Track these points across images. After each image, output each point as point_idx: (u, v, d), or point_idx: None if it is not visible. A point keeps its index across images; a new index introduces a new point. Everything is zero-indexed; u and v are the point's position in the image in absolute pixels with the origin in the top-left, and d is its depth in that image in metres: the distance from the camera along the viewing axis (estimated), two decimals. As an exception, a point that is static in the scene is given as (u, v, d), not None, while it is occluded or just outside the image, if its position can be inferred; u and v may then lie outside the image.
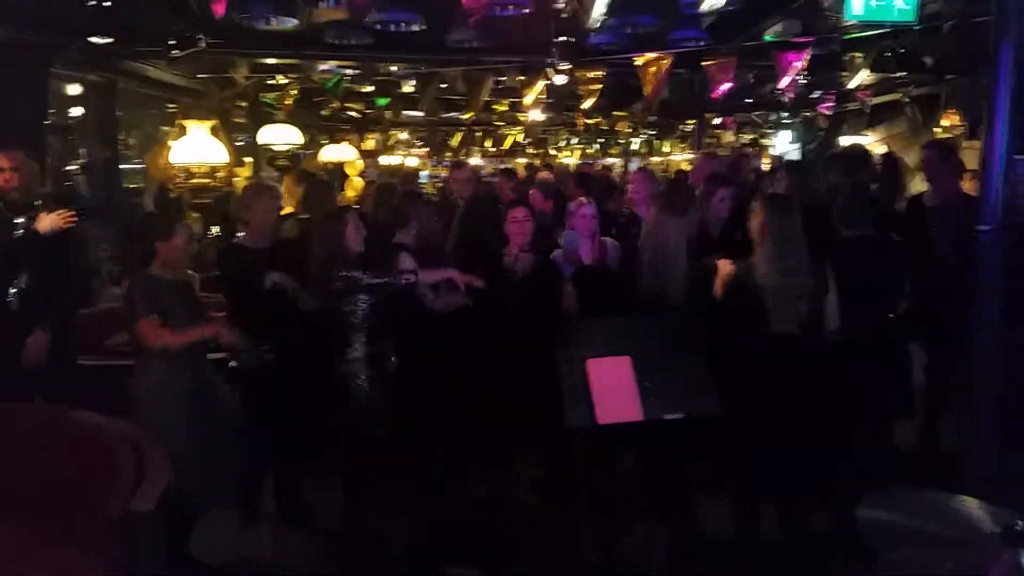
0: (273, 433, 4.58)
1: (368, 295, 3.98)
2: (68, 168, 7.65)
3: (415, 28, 5.52)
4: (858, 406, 3.93)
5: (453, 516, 4.18)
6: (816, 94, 8.19)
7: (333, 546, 4.20)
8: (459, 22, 5.74)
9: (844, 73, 5.03)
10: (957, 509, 1.72)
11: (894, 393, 4.17)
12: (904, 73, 5.89)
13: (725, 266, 4.04)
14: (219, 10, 4.63)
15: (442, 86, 7.24)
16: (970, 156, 5.40)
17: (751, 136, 14.01)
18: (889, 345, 4.22)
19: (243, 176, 8.72)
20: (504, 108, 6.37)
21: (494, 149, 14.41)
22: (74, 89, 7.26)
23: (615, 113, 9.67)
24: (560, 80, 5.50)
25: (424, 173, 14.32)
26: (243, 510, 4.45)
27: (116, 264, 6.29)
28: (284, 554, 4.24)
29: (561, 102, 8.03)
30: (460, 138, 12.56)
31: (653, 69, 4.95)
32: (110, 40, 4.77)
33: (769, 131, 13.26)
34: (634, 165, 16.48)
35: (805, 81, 7.99)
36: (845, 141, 10.36)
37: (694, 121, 9.94)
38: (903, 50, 5.00)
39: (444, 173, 16.01)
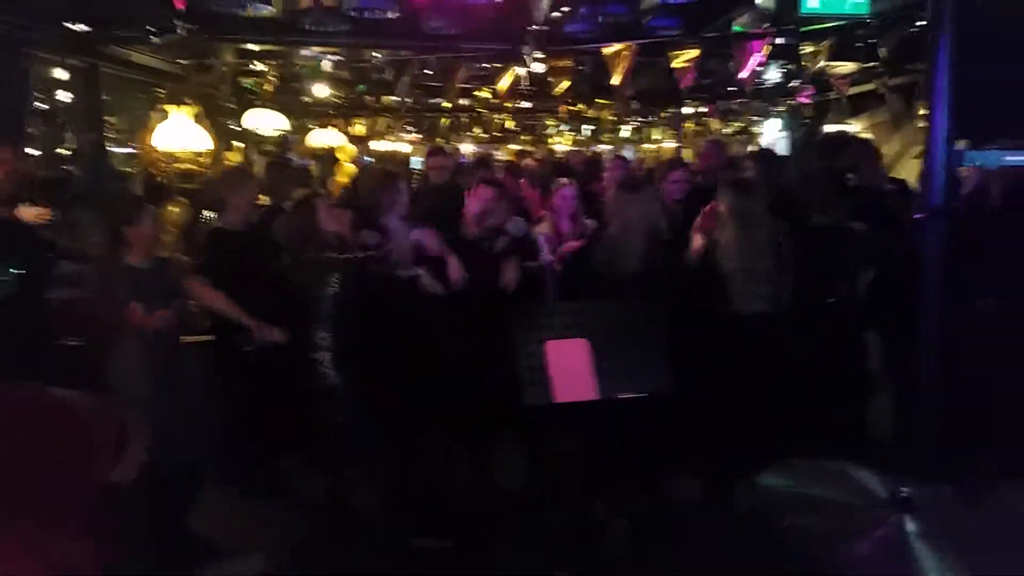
0: (251, 412, 4.74)
1: (341, 273, 4.09)
2: (56, 153, 7.73)
3: (390, 15, 5.62)
4: (813, 387, 4.07)
5: (426, 493, 4.31)
6: (795, 83, 8.26)
7: (311, 521, 4.35)
8: (435, 9, 5.83)
9: (806, 64, 5.11)
10: (850, 476, 1.84)
11: (849, 376, 4.31)
12: (865, 64, 5.97)
13: (698, 239, 4.17)
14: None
15: (424, 72, 7.33)
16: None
17: (739, 124, 14.06)
18: (845, 330, 4.35)
19: (234, 161, 8.81)
20: (488, 95, 6.40)
21: (486, 136, 14.45)
22: (59, 74, 7.34)
23: (598, 101, 9.74)
24: (538, 68, 5.58)
25: (415, 159, 14.36)
26: (235, 485, 4.61)
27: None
28: (267, 528, 4.38)
29: (543, 89, 8.09)
30: (448, 124, 12.60)
31: (621, 58, 5.02)
32: (87, 27, 4.79)
33: (757, 119, 13.30)
34: (629, 153, 16.62)
35: (784, 71, 8.12)
36: (830, 129, 10.50)
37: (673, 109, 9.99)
38: (860, 44, 5.10)
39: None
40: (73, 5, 4.87)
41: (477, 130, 13.52)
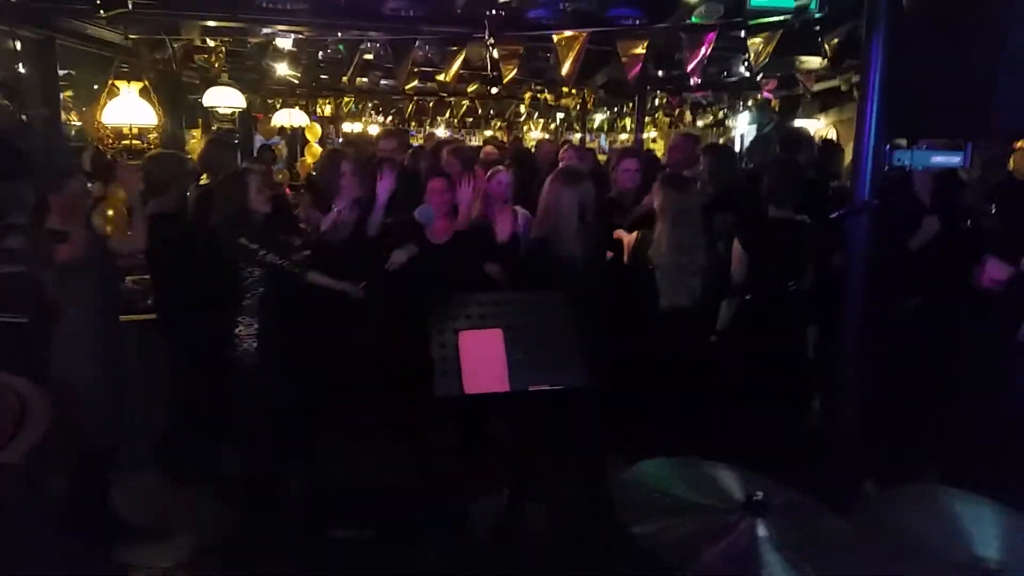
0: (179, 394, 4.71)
1: (261, 268, 4.03)
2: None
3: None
4: (747, 382, 4.06)
5: (349, 482, 4.29)
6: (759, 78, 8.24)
7: (235, 506, 4.31)
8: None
9: (754, 58, 5.08)
10: (711, 476, 1.82)
11: (785, 370, 4.31)
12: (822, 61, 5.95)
13: (625, 237, 4.17)
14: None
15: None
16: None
17: (710, 118, 14.07)
18: (784, 324, 4.35)
19: (197, 137, 8.71)
20: (448, 80, 6.33)
21: (457, 122, 14.37)
22: (11, 46, 7.19)
23: (564, 89, 9.68)
24: (496, 54, 5.52)
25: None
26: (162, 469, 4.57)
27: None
28: (191, 512, 4.35)
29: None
30: (412, 108, 12.49)
31: (569, 47, 4.97)
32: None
33: (727, 113, 13.31)
34: (602, 142, 16.60)
35: (745, 64, 8.08)
36: (799, 124, 10.53)
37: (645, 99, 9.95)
38: (812, 40, 5.09)
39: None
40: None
41: (445, 114, 13.39)
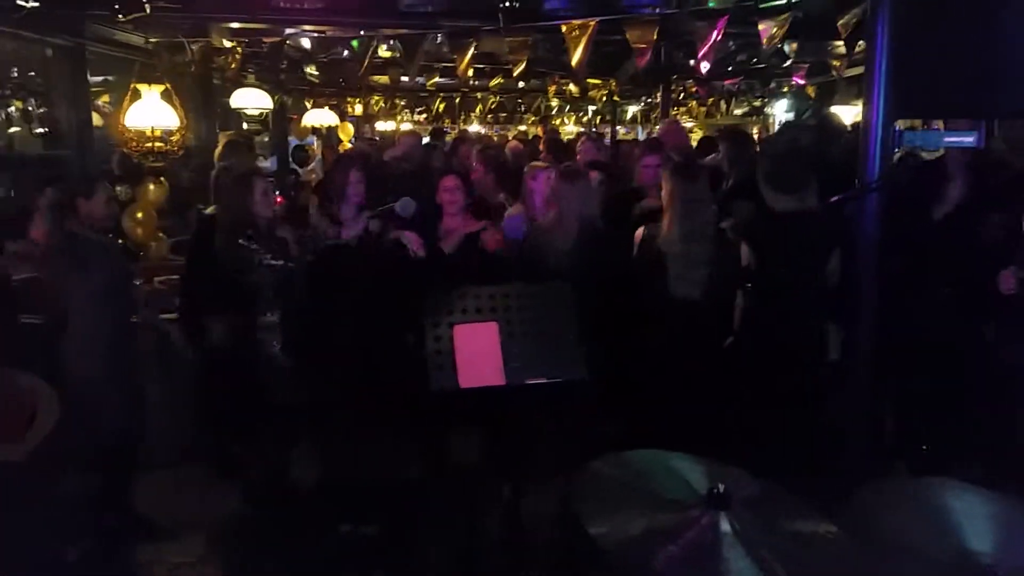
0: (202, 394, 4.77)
1: (267, 271, 4.04)
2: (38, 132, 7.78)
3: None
4: (757, 379, 3.95)
5: (360, 479, 4.29)
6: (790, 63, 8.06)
7: (252, 504, 4.35)
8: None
9: (768, 42, 4.94)
10: (673, 469, 1.74)
11: (803, 367, 4.17)
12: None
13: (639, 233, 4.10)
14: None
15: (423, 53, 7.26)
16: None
17: (749, 105, 13.83)
18: (803, 320, 4.21)
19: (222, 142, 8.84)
20: (461, 73, 6.30)
21: (490, 116, 14.36)
22: (44, 52, 7.37)
23: (589, 81, 9.59)
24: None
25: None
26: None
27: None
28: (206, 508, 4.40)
29: (533, 69, 7.98)
30: (441, 106, 12.49)
31: (579, 37, 4.90)
32: (36, 3, 4.76)
33: (764, 101, 13.07)
34: (642, 134, 16.41)
35: (777, 50, 7.90)
36: (837, 110, 10.29)
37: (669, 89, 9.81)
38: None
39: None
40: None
41: (478, 109, 13.37)
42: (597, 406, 3.76)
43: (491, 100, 12.22)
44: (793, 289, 4.11)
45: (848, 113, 9.91)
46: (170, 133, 6.14)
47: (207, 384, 4.72)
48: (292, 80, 8.94)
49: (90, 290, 3.91)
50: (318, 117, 10.63)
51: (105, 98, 9.20)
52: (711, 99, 12.28)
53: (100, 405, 3.90)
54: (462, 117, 15.01)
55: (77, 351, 3.93)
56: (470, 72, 6.54)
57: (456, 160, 6.54)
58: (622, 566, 1.53)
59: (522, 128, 15.62)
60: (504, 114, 14.21)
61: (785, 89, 11.51)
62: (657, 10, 5.66)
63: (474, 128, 15.34)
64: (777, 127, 13.11)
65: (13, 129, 8.52)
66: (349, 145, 11.51)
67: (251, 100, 8.12)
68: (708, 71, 9.05)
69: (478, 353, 3.03)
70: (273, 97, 8.70)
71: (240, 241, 3.91)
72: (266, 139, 11.22)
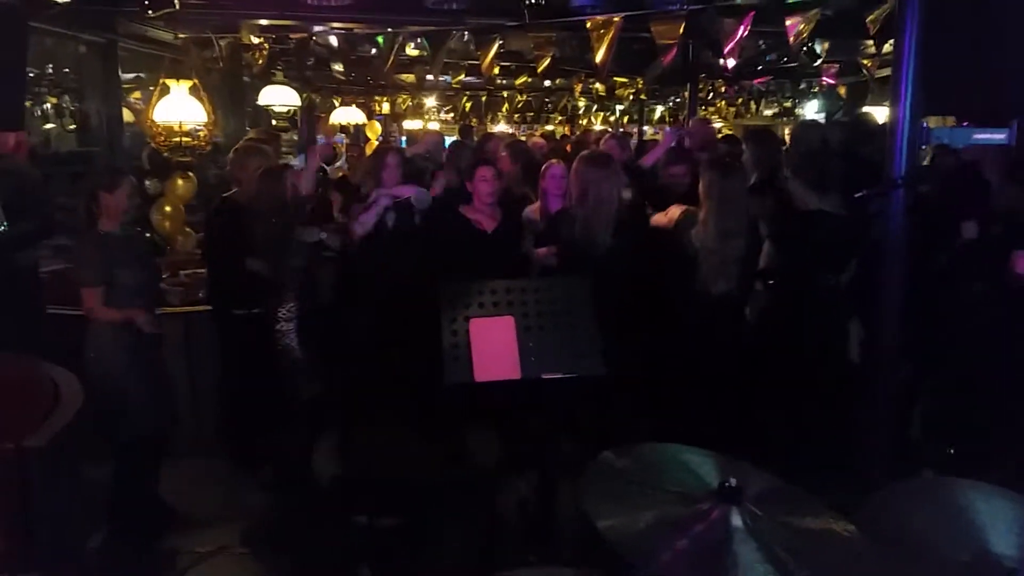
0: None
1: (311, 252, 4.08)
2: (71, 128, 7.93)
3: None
4: (784, 371, 3.91)
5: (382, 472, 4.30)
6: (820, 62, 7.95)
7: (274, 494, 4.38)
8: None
9: (794, 39, 4.87)
10: (683, 462, 1.71)
11: (824, 364, 4.12)
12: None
13: (661, 218, 4.07)
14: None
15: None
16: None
17: (779, 106, 13.67)
18: (825, 318, 4.16)
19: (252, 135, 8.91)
20: (484, 69, 6.29)
21: (517, 115, 14.32)
22: (77, 49, 7.49)
23: (616, 80, 9.53)
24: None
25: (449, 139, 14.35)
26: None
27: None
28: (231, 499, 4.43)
29: (560, 68, 7.98)
30: (468, 104, 12.50)
31: (603, 34, 4.86)
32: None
33: (794, 101, 12.91)
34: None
35: (807, 49, 7.81)
36: (869, 111, 10.15)
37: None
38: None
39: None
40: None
41: (504, 108, 13.36)
42: (622, 401, 3.73)
43: (517, 99, 12.19)
44: (816, 286, 4.08)
45: (881, 114, 9.78)
46: (198, 128, 6.20)
47: (230, 376, 4.77)
48: (320, 78, 8.99)
49: (118, 284, 3.94)
50: (346, 115, 10.70)
51: (136, 94, 9.32)
52: (740, 99, 12.15)
53: (126, 395, 3.94)
54: (489, 116, 15.00)
55: (104, 342, 3.96)
56: (495, 70, 6.54)
57: (484, 155, 6.53)
58: (630, 559, 1.49)
59: (549, 128, 15.57)
60: (531, 113, 14.17)
61: (815, 89, 11.36)
62: (684, 6, 5.63)
63: (500, 127, 15.33)
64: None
65: (48, 126, 8.67)
66: (376, 143, 11.56)
67: (279, 97, 8.17)
68: (737, 70, 8.99)
69: (494, 347, 3.02)
70: (301, 95, 8.75)
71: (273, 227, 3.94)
72: (294, 137, 11.31)
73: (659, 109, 14.34)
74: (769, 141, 5.20)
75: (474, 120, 14.69)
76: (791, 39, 4.84)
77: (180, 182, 6.79)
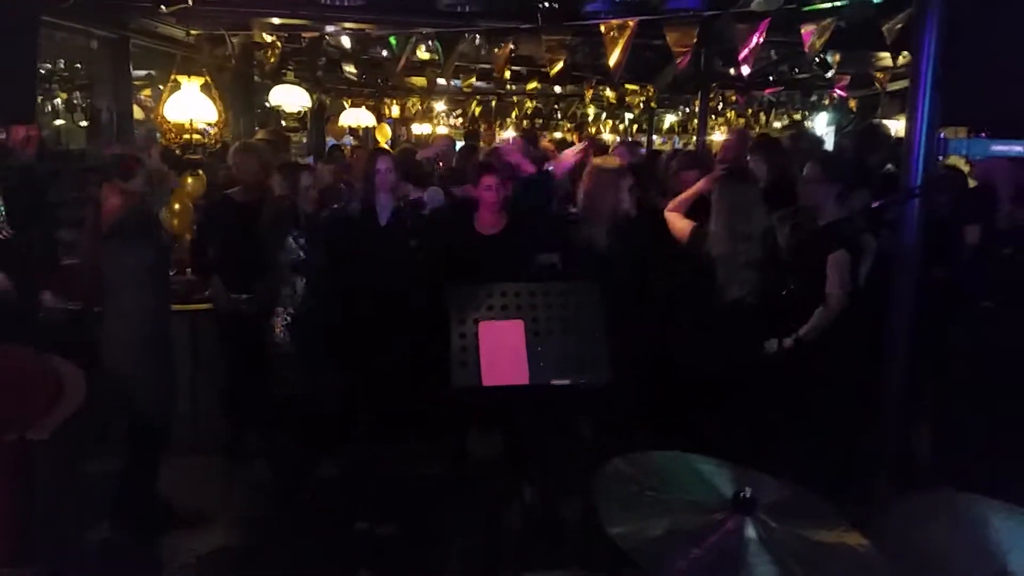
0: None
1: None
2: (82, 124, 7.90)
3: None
4: (805, 381, 3.87)
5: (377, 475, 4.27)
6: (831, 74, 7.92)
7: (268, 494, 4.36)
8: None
9: (808, 50, 4.85)
10: (698, 471, 1.68)
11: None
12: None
13: (677, 221, 4.06)
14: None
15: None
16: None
17: (789, 118, 13.63)
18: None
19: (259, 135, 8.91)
20: (498, 74, 6.29)
21: (526, 122, 14.30)
22: (89, 44, 7.47)
23: (627, 86, 9.52)
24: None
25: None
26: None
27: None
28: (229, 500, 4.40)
29: (568, 71, 7.95)
30: (478, 109, 12.49)
31: (617, 37, 4.84)
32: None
33: (804, 113, 12.88)
34: (679, 143, 16.28)
35: (819, 60, 7.78)
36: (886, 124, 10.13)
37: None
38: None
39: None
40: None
41: (513, 114, 13.35)
42: (632, 408, 3.71)
43: (527, 105, 12.18)
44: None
45: (891, 127, 9.75)
46: (208, 126, 6.20)
47: (230, 375, 4.76)
48: (331, 79, 8.98)
49: (133, 265, 3.91)
50: (355, 117, 10.70)
51: (147, 91, 9.32)
52: (750, 110, 12.11)
53: (134, 389, 3.92)
54: (498, 122, 15.00)
55: (113, 334, 3.95)
56: (507, 74, 6.53)
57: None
58: (643, 567, 1.46)
59: (557, 135, 15.56)
60: (540, 120, 14.16)
61: (826, 102, 11.33)
62: (699, 12, 5.61)
63: (509, 133, 15.31)
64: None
65: (59, 121, 8.67)
66: (386, 146, 11.55)
67: (290, 97, 8.17)
68: (748, 80, 8.96)
69: (503, 351, 2.99)
70: (312, 96, 8.75)
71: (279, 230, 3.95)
72: (303, 139, 11.31)
73: (669, 118, 14.32)
74: (775, 150, 5.17)
75: (483, 125, 14.70)
76: (806, 47, 4.81)
77: (189, 180, 6.78)
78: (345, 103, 11.39)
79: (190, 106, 6.12)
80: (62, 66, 7.68)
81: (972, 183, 4.68)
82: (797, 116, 13.58)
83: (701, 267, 3.93)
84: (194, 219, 5.77)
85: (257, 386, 4.28)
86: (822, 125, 13.36)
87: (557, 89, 9.89)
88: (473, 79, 8.36)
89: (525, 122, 14.05)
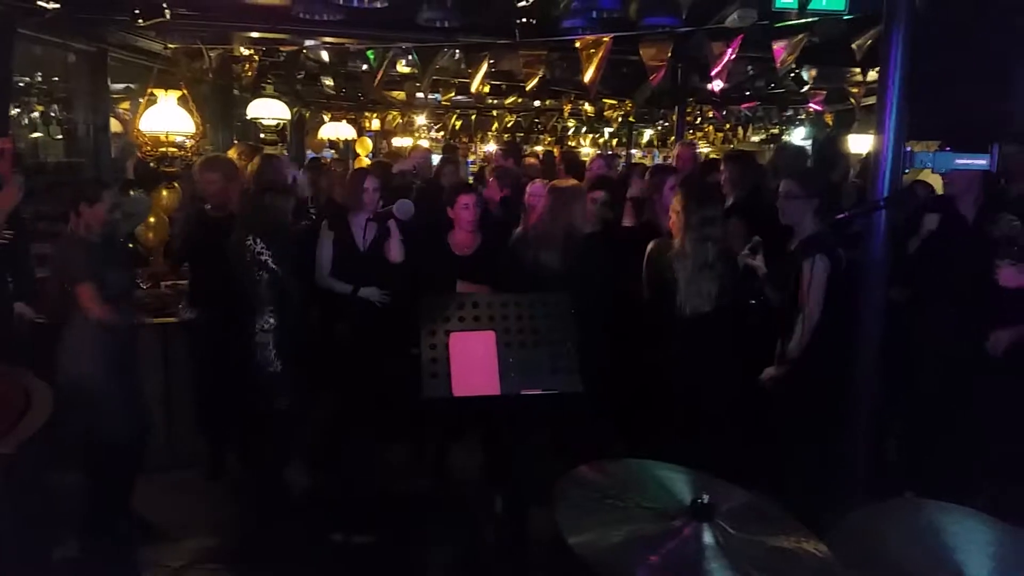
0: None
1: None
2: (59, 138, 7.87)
3: (378, 4, 5.55)
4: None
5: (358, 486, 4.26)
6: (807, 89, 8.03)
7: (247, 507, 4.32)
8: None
9: (780, 65, 4.93)
10: (657, 478, 1.70)
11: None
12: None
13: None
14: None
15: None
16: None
17: (766, 132, 13.79)
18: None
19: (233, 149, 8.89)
20: (476, 88, 6.32)
21: (507, 135, 14.36)
22: (66, 58, 7.45)
23: (605, 101, 9.60)
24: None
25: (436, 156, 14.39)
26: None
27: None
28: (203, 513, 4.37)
29: (548, 88, 8.02)
30: (458, 123, 12.54)
31: (592, 53, 4.90)
32: (57, 5, 4.81)
33: (781, 128, 13.03)
34: (658, 157, 16.40)
35: (794, 75, 7.89)
36: (855, 138, 10.24)
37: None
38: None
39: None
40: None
41: (494, 127, 13.40)
42: (599, 419, 3.73)
43: (507, 119, 12.24)
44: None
45: (866, 142, 9.86)
46: (185, 139, 6.18)
47: (204, 389, 4.73)
48: (310, 92, 8.98)
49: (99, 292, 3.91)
50: (335, 130, 10.71)
51: (125, 105, 9.29)
52: (727, 124, 12.24)
53: (101, 400, 3.90)
54: (479, 135, 15.04)
55: (77, 349, 3.92)
56: (486, 88, 6.56)
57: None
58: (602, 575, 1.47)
59: (538, 149, 15.63)
60: (520, 134, 14.22)
61: (802, 116, 11.47)
62: (673, 29, 5.68)
63: (489, 148, 15.37)
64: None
65: (36, 134, 8.62)
66: (366, 161, 11.57)
67: (268, 110, 8.17)
68: (724, 95, 9.06)
69: (474, 362, 3.00)
70: (291, 109, 8.75)
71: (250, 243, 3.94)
72: (285, 152, 11.30)
73: (647, 132, 14.43)
74: (747, 163, 5.24)
75: (463, 138, 14.75)
76: (778, 63, 4.88)
77: (164, 193, 6.76)
78: (325, 116, 11.41)
79: (166, 119, 6.10)
80: (40, 79, 7.63)
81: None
82: (775, 130, 13.73)
83: (664, 280, 3.97)
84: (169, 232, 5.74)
85: (232, 400, 4.26)
86: (798, 140, 13.53)
87: (536, 103, 9.94)
88: (452, 93, 8.40)
89: (506, 135, 14.09)
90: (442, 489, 4.13)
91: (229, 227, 4.42)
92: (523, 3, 5.35)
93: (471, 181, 7.71)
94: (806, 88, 7.59)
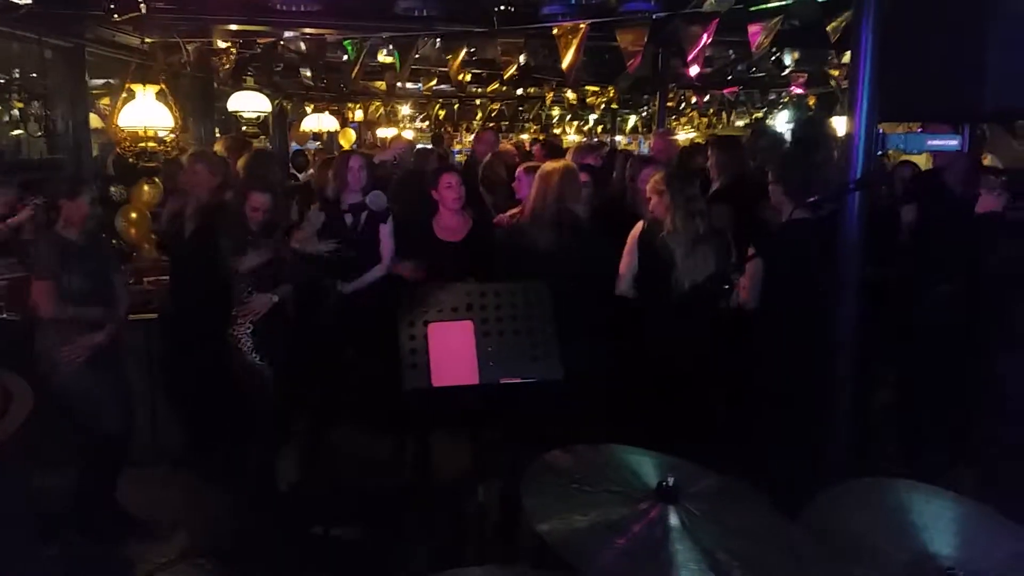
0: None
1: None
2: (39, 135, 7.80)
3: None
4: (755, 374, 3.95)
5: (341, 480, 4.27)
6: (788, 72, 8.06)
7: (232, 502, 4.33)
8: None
9: (757, 49, 4.93)
10: (624, 462, 1.71)
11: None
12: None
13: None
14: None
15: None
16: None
17: (750, 116, 13.80)
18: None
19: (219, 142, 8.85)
20: (453, 75, 6.30)
21: (491, 124, 14.33)
22: (43, 54, 7.38)
23: (587, 88, 9.59)
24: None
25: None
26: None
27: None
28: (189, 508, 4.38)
29: (528, 74, 8.00)
30: (441, 112, 12.50)
31: (569, 39, 4.89)
32: (30, 1, 4.77)
33: (764, 112, 13.05)
34: (644, 145, 16.41)
35: (776, 59, 7.91)
36: (838, 121, 10.27)
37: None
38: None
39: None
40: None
41: (478, 117, 13.37)
42: (584, 405, 3.74)
43: (491, 107, 12.21)
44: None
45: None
46: (165, 133, 6.15)
47: (189, 385, 4.73)
48: (290, 84, 8.94)
49: (70, 290, 3.90)
50: (318, 122, 10.67)
51: (105, 100, 9.22)
52: (711, 110, 12.25)
53: (78, 401, 3.89)
54: (463, 125, 15.01)
55: (50, 340, 3.92)
56: (467, 77, 6.54)
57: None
58: (570, 560, 1.48)
59: (524, 137, 15.61)
60: (504, 123, 14.19)
61: (785, 100, 11.49)
62: (653, 16, 5.67)
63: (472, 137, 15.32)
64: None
65: (16, 132, 8.55)
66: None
67: (249, 103, 8.13)
68: (706, 80, 9.06)
69: (452, 352, 3.00)
70: (272, 101, 8.71)
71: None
72: (268, 145, 11.25)
73: (632, 119, 14.42)
74: (732, 148, 5.26)
75: (448, 128, 14.71)
76: (753, 47, 4.89)
77: (146, 188, 6.73)
78: (307, 108, 11.37)
79: (145, 114, 6.07)
80: (17, 76, 7.56)
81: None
82: (759, 114, 13.75)
83: (657, 261, 3.99)
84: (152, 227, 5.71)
85: (217, 396, 4.25)
86: (783, 123, 13.55)
87: (519, 92, 9.92)
88: (434, 82, 8.38)
89: (491, 124, 14.06)
90: (424, 480, 4.14)
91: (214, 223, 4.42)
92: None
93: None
94: (787, 71, 7.59)
